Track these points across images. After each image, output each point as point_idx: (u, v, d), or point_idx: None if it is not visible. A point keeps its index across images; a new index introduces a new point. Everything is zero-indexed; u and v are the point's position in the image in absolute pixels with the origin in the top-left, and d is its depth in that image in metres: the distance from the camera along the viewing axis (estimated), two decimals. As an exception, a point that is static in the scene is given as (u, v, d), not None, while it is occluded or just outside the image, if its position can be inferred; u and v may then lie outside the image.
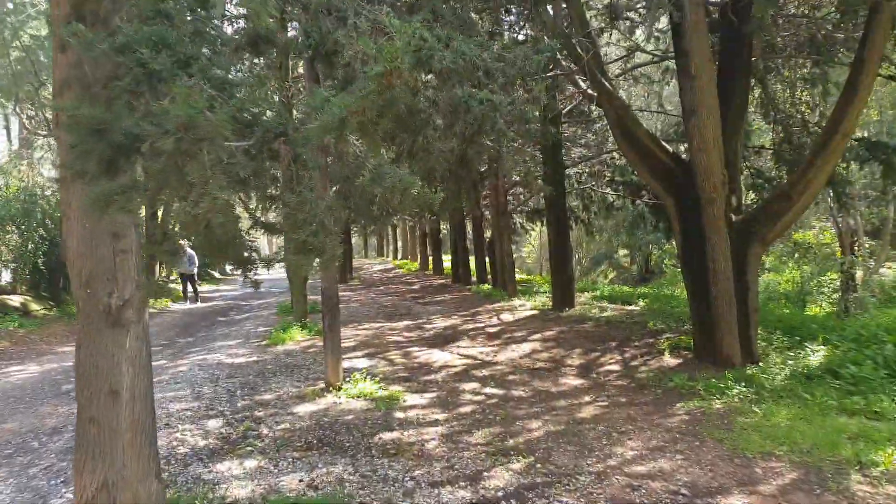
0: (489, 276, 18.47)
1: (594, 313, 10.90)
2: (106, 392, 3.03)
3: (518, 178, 16.93)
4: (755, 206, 9.00)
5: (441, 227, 26.38)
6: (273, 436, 5.14)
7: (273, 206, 4.69)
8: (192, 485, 4.15)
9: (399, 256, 43.43)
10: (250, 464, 4.52)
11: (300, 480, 4.17)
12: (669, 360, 7.38)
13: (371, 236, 54.01)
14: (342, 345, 9.52)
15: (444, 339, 9.74)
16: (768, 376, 6.16)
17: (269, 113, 2.97)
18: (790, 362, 6.63)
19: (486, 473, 4.20)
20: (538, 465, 4.28)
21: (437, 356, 8.40)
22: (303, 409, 5.92)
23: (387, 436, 5.06)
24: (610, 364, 7.50)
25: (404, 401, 6.16)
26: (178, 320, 14.03)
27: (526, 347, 8.66)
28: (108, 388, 3.03)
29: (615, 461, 4.29)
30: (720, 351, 6.94)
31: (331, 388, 6.49)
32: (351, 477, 4.19)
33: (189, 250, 17.14)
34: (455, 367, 7.72)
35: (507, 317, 11.80)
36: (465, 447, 4.76)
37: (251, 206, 4.72)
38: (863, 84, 6.57)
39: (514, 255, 46.79)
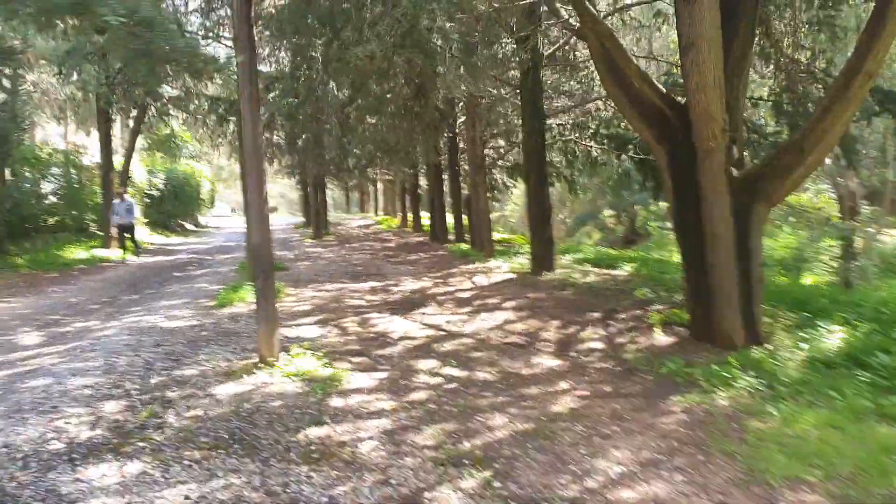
0: (467, 236, 17.47)
1: (576, 278, 9.97)
2: None
3: (495, 130, 15.82)
4: (759, 161, 7.99)
5: (420, 182, 25.18)
6: (178, 426, 4.15)
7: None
8: (39, 502, 3.16)
9: (381, 213, 42.24)
10: (133, 468, 3.53)
11: (186, 498, 3.19)
12: (661, 338, 6.47)
13: (352, 191, 52.67)
14: (294, 308, 8.54)
15: (409, 305, 8.76)
16: (779, 363, 5.25)
17: None
18: (803, 346, 5.73)
19: (427, 495, 3.25)
20: (496, 484, 3.34)
21: (397, 325, 7.43)
22: (225, 390, 4.93)
23: (315, 432, 4.09)
24: (592, 340, 6.58)
25: (348, 382, 5.19)
26: (131, 275, 12.94)
27: (498, 317, 7.71)
28: None
29: (596, 481, 3.36)
30: (719, 329, 6.03)
31: (264, 364, 5.50)
32: (252, 494, 3.22)
33: (127, 198, 15.87)
34: (416, 339, 6.75)
35: (481, 280, 10.84)
36: (409, 451, 3.80)
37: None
38: (893, 14, 5.46)
39: (497, 214, 45.84)
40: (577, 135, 14.00)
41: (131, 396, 4.73)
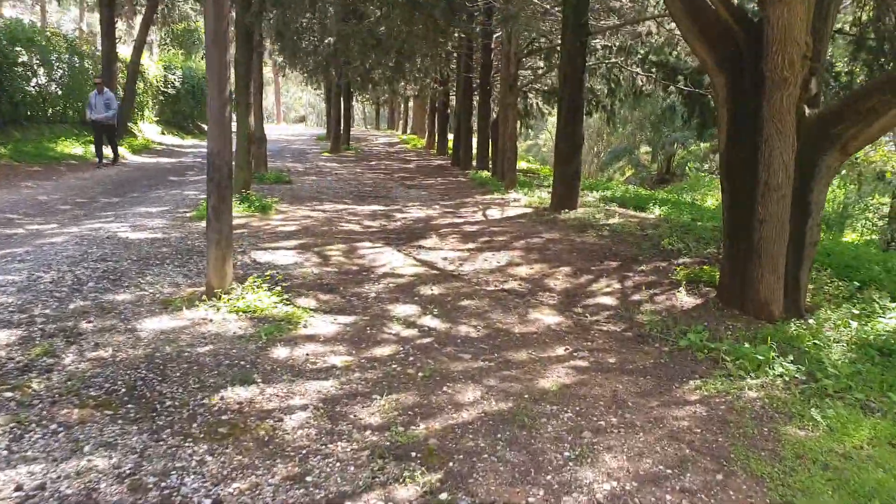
0: (491, 162, 16.29)
1: (598, 219, 8.91)
2: None
3: (534, 46, 14.34)
4: (837, 100, 6.67)
5: (451, 101, 23.69)
6: (71, 371, 3.38)
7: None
8: None
9: (409, 131, 40.78)
10: (-24, 430, 2.78)
11: (18, 489, 2.39)
12: (684, 299, 5.49)
13: (384, 105, 50.94)
14: (278, 228, 7.70)
15: (408, 235, 7.86)
16: (823, 346, 4.28)
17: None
18: (852, 324, 4.72)
19: (345, 506, 2.43)
20: (442, 497, 2.51)
21: (387, 258, 6.56)
22: (152, 324, 4.14)
23: (236, 394, 3.29)
24: (603, 294, 5.63)
25: (304, 327, 4.38)
26: (120, 175, 12.20)
27: (503, 258, 6.78)
28: None
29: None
30: (756, 295, 5.02)
31: (212, 296, 4.70)
32: (112, 487, 2.43)
33: (107, 91, 13.28)
34: (402, 277, 5.88)
35: (494, 213, 9.84)
36: (345, 431, 2.99)
37: None
38: None
39: (530, 142, 44.07)
40: (623, 59, 12.49)
41: (36, 324, 3.96)
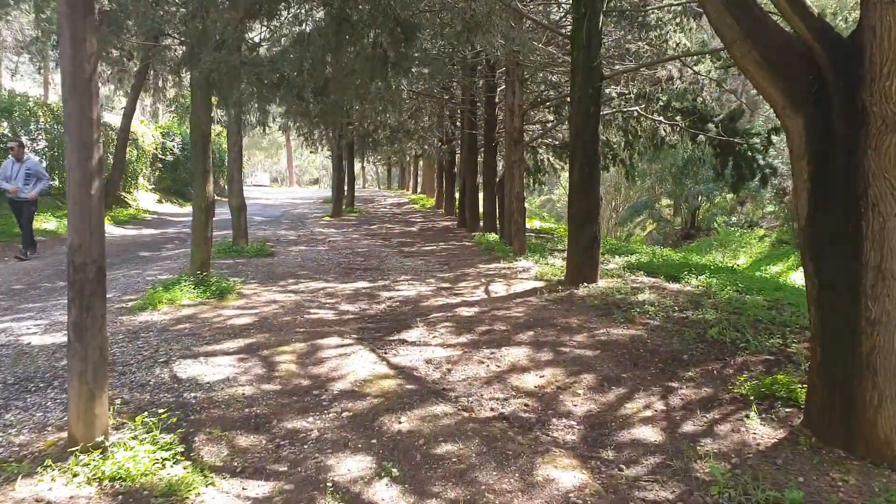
0: (499, 223, 14.91)
1: (625, 295, 7.36)
2: None
3: (534, 93, 13.17)
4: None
5: (457, 160, 22.58)
6: None
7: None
8: None
9: (418, 191, 39.85)
10: None
11: None
12: (758, 429, 3.87)
13: (395, 165, 50.32)
14: (229, 322, 6.24)
15: (389, 324, 6.37)
16: None
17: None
18: None
19: None
20: None
21: (354, 363, 5.05)
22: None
23: None
24: (642, 423, 4.03)
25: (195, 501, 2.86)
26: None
27: (504, 358, 5.23)
28: None
29: None
30: (871, 429, 3.42)
31: (73, 452, 3.20)
32: None
33: (29, 157, 10.00)
34: (364, 397, 4.35)
35: (498, 288, 8.33)
36: None
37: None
38: None
39: (544, 198, 42.87)
40: (643, 107, 11.18)
41: None
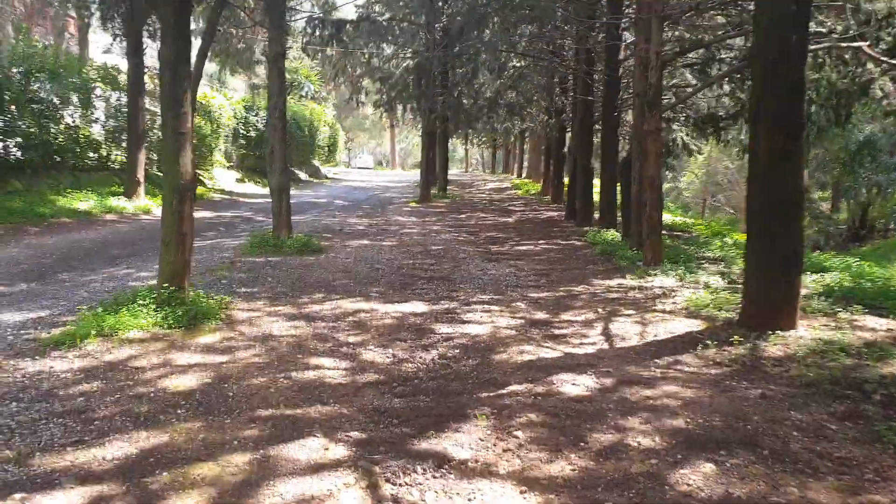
0: (621, 217, 11.50)
1: (844, 355, 4.03)
2: None
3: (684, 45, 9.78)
4: None
5: (567, 137, 19.19)
6: None
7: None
8: None
9: (523, 175, 36.50)
10: None
11: None
12: None
13: (499, 148, 47.13)
14: (172, 380, 3.51)
15: (427, 406, 3.50)
16: None
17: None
18: None
19: None
20: None
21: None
22: None
23: None
24: None
25: None
26: (110, 237, 9.10)
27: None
28: None
29: None
30: None
31: None
32: None
33: None
34: None
35: (627, 330, 5.20)
36: None
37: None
38: None
39: (668, 185, 37.66)
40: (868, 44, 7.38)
41: None
